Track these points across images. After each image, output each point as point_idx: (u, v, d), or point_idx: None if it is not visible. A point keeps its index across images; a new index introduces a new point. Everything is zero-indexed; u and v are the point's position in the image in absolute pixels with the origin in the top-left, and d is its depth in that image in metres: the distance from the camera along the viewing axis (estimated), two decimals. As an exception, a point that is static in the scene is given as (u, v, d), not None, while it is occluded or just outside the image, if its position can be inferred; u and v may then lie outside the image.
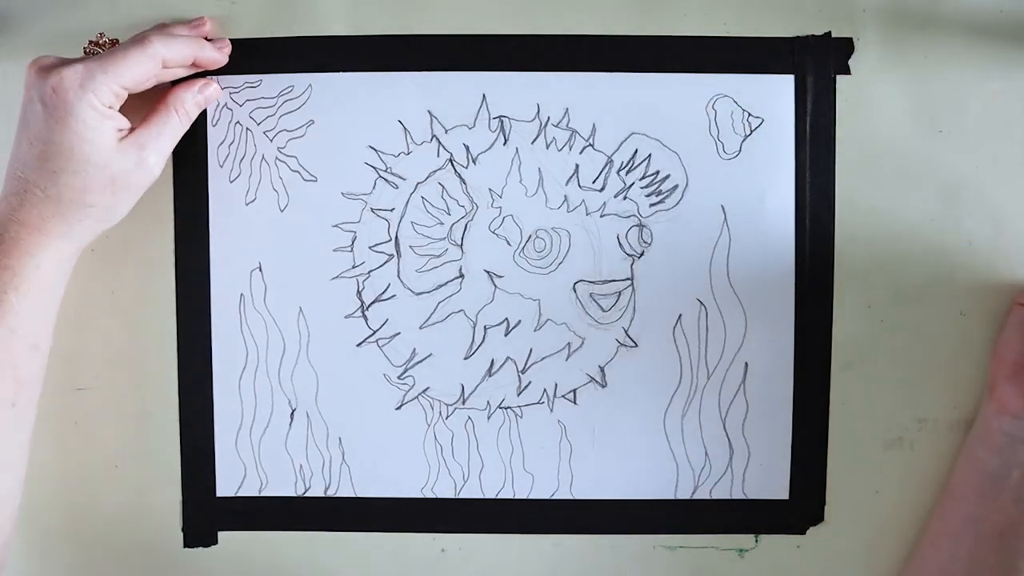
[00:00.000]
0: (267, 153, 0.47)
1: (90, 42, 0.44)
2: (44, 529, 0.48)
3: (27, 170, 0.41)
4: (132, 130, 0.43)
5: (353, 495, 0.47)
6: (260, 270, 0.47)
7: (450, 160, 0.47)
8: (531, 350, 0.47)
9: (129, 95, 0.42)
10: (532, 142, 0.47)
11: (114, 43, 0.44)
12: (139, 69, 0.41)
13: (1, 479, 0.42)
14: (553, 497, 0.47)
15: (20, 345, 0.41)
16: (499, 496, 0.47)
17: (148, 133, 0.43)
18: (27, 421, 0.43)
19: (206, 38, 0.46)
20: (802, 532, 0.47)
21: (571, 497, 0.47)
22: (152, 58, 0.41)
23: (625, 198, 0.47)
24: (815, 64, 0.46)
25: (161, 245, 0.47)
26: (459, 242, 0.47)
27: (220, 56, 0.45)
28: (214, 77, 0.46)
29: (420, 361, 0.47)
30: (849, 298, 0.46)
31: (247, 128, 0.47)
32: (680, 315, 0.47)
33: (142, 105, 0.43)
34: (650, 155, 0.47)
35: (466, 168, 0.47)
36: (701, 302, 0.47)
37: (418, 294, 0.47)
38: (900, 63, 0.46)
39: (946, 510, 0.46)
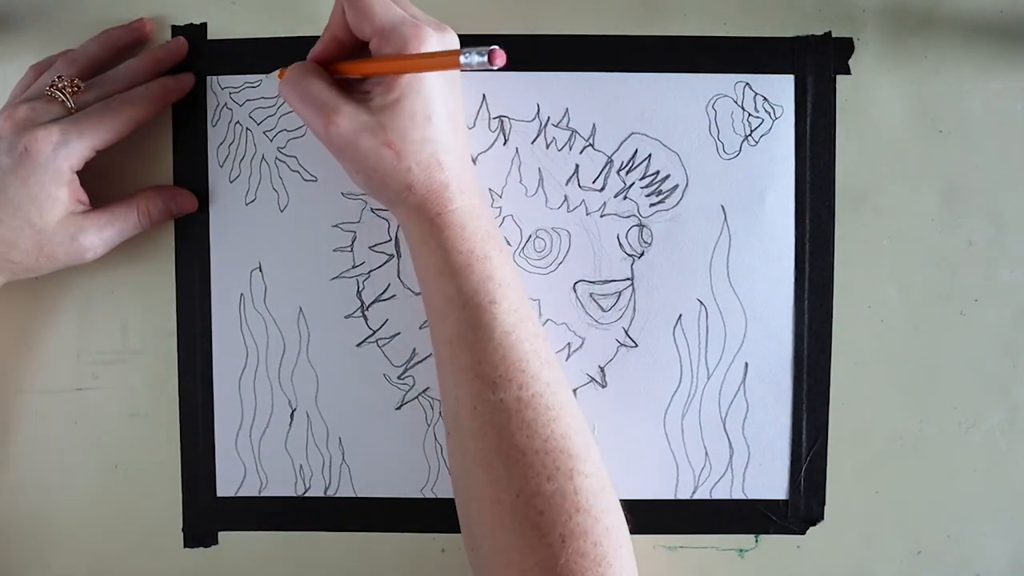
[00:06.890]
0: (267, 153, 0.47)
1: (51, 86, 0.42)
2: (44, 529, 0.48)
3: None
4: (89, 210, 0.43)
5: (353, 495, 0.47)
6: (260, 270, 0.47)
7: (450, 160, 0.47)
8: (531, 350, 0.47)
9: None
10: (532, 142, 0.47)
11: (76, 88, 0.42)
12: (114, 132, 0.42)
13: None
14: (553, 497, 0.47)
15: None
16: (499, 496, 0.47)
17: (98, 219, 0.43)
18: None
19: (145, 37, 0.46)
20: (802, 532, 0.47)
21: (571, 497, 0.47)
22: (127, 122, 0.42)
23: (625, 198, 0.47)
24: (815, 64, 0.46)
25: (161, 245, 0.47)
26: (459, 242, 0.47)
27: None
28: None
29: (420, 361, 0.47)
30: (849, 298, 0.46)
31: (247, 128, 0.47)
32: (680, 315, 0.47)
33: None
34: (650, 155, 0.47)
35: (466, 168, 0.47)
36: (701, 302, 0.47)
37: (418, 294, 0.47)
38: (900, 63, 0.46)
39: None
